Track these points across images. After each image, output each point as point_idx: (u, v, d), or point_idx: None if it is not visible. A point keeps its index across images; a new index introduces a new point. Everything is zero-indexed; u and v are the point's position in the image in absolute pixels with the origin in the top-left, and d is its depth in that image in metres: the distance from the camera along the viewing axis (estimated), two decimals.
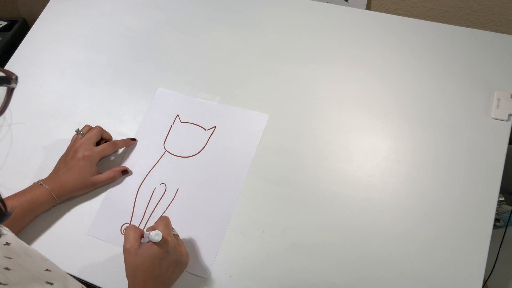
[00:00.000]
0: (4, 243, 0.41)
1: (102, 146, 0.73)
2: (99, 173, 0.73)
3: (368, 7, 1.01)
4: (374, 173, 0.68)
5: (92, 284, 0.67)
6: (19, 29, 1.25)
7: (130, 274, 0.58)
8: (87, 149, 0.71)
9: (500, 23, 0.93)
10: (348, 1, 1.01)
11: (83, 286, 0.42)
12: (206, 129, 0.77)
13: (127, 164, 0.76)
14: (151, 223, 0.71)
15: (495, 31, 0.86)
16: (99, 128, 0.75)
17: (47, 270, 0.40)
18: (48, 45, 0.92)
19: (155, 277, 0.58)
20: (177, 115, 0.79)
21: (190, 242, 0.68)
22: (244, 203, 0.70)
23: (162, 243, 0.57)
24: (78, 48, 0.90)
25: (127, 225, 0.71)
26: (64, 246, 0.70)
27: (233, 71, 0.81)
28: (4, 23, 1.26)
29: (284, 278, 0.64)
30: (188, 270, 0.66)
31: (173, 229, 0.63)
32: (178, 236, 0.65)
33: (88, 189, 0.73)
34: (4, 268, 0.35)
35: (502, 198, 0.93)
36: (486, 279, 0.82)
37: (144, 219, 0.71)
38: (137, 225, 0.71)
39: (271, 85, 0.79)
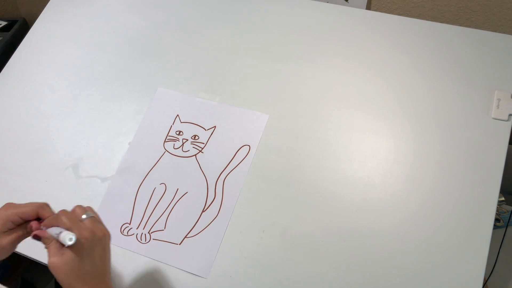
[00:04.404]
0: None
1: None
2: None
3: (368, 7, 1.01)
4: (374, 173, 0.68)
5: None
6: (19, 29, 1.25)
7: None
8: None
9: (500, 23, 0.93)
10: (348, 1, 1.00)
11: None
12: (206, 129, 0.77)
13: (127, 164, 0.76)
14: (151, 223, 0.71)
15: (495, 31, 0.86)
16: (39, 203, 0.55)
17: None
18: (48, 45, 0.92)
19: (95, 276, 0.50)
20: (177, 115, 0.79)
21: (190, 242, 0.68)
22: (244, 203, 0.70)
23: (83, 242, 0.49)
24: (78, 48, 0.90)
25: (127, 225, 0.71)
26: None
27: (233, 71, 0.81)
28: (4, 23, 1.26)
29: (284, 278, 0.64)
30: (188, 270, 0.66)
31: (83, 209, 0.53)
32: (93, 217, 0.53)
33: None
34: None
35: (502, 198, 0.93)
36: (486, 279, 0.81)
37: (144, 219, 0.71)
38: (137, 226, 0.71)
39: (271, 85, 0.79)
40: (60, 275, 0.48)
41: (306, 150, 0.72)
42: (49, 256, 0.49)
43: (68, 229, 0.49)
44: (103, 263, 0.52)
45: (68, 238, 0.47)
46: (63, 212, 0.52)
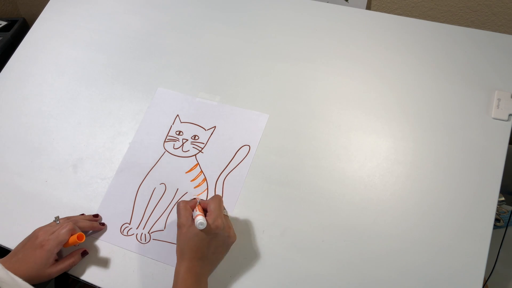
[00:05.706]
0: None
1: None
2: (56, 261, 0.66)
3: (368, 7, 1.01)
4: (374, 173, 0.68)
5: (92, 284, 0.67)
6: (19, 29, 1.25)
7: (179, 250, 0.60)
8: (47, 239, 0.64)
9: (500, 23, 0.93)
10: (348, 1, 1.00)
11: None
12: (206, 129, 0.77)
13: (127, 164, 0.76)
14: (151, 223, 0.71)
15: (495, 31, 0.86)
16: (71, 226, 0.66)
17: None
18: (48, 45, 0.92)
19: (203, 257, 0.60)
20: (177, 115, 0.79)
21: None
22: (244, 203, 0.70)
23: (211, 227, 0.59)
24: (78, 48, 0.90)
25: (126, 225, 0.71)
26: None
27: (233, 71, 0.81)
28: (4, 23, 1.26)
29: (284, 278, 0.64)
30: None
31: (224, 208, 0.65)
32: (228, 216, 0.67)
33: (43, 280, 0.64)
34: None
35: (502, 198, 0.93)
36: (486, 279, 0.81)
37: (144, 219, 0.71)
38: (137, 226, 0.71)
39: (271, 85, 0.79)
40: (181, 238, 0.61)
41: (306, 150, 0.72)
42: (185, 222, 0.61)
43: (213, 211, 0.61)
44: (214, 254, 0.62)
45: (199, 222, 0.58)
46: (219, 198, 0.64)
